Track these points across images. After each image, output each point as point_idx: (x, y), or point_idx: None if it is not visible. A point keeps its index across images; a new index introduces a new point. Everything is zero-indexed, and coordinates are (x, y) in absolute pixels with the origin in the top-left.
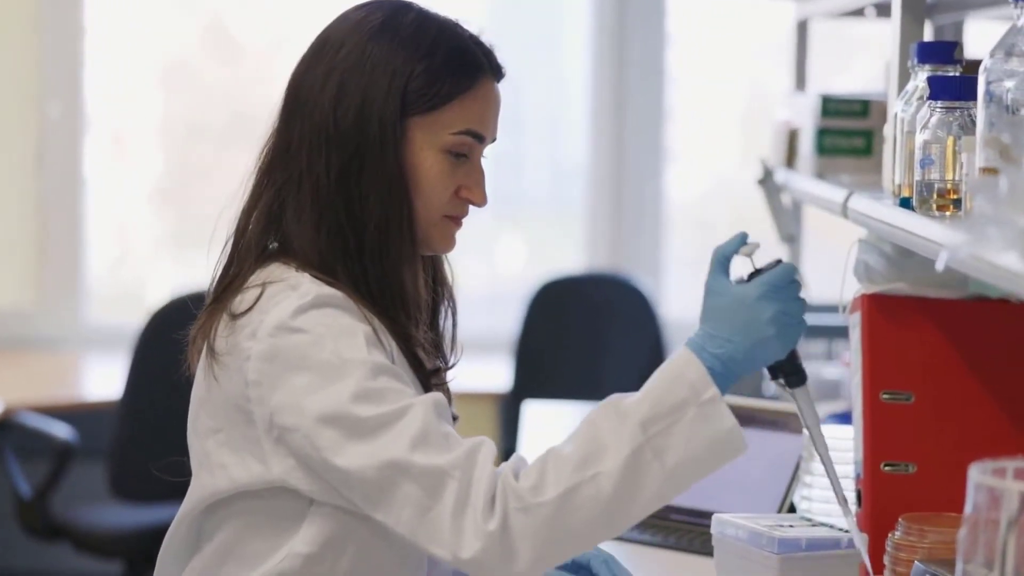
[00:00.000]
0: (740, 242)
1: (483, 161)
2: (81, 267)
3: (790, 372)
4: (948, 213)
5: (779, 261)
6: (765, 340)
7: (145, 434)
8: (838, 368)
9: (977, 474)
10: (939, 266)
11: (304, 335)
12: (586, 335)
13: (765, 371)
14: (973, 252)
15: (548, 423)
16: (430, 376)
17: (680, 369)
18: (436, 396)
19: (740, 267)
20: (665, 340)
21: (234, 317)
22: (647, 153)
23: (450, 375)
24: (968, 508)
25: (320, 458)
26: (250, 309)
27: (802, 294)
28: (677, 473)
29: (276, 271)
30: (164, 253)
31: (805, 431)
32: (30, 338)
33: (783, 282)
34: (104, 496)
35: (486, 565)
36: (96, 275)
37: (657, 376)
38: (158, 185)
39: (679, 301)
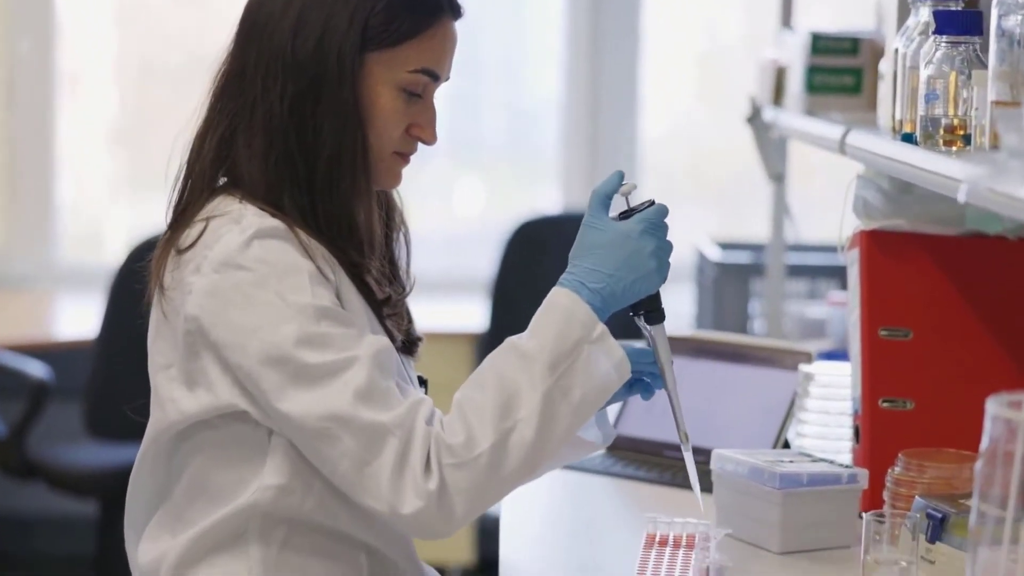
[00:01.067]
0: (618, 181)
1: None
2: (52, 206)
3: (652, 309)
4: (955, 148)
5: (652, 202)
6: (647, 274)
7: (121, 373)
8: (822, 307)
9: (994, 406)
10: (962, 198)
11: (247, 273)
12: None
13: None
14: (993, 185)
15: None
16: (382, 305)
17: (570, 308)
18: (380, 347)
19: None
20: None
21: (180, 252)
22: (620, 92)
23: (416, 318)
24: (984, 441)
25: (263, 400)
26: (194, 244)
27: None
28: (581, 408)
29: (221, 204)
30: (121, 195)
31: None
32: (2, 276)
33: (660, 219)
34: (80, 435)
35: (424, 522)
36: (60, 215)
37: (547, 317)
38: (114, 126)
39: None
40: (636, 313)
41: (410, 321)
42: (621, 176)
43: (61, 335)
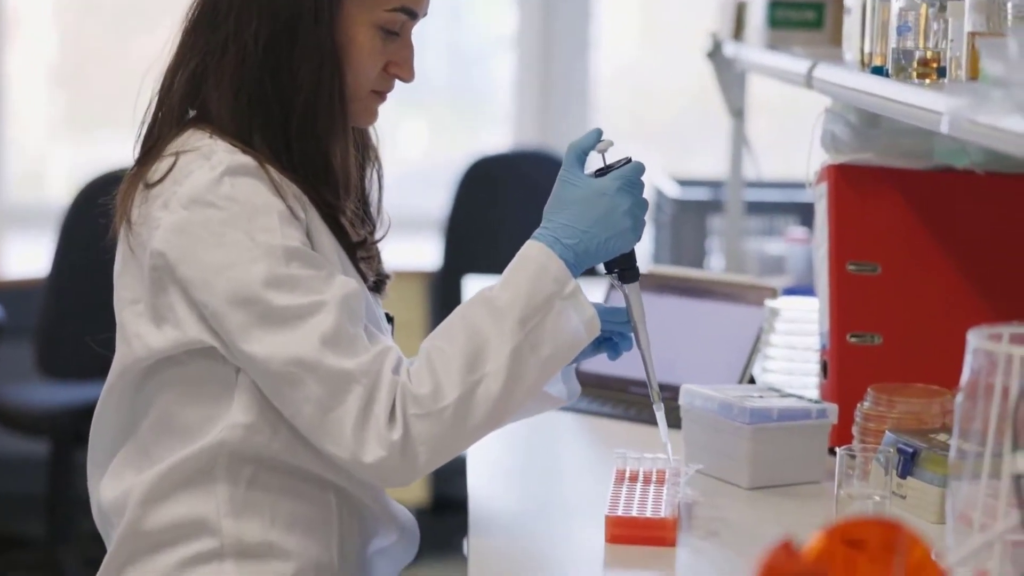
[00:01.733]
0: (596, 138)
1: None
2: None
3: (626, 267)
4: (929, 80)
5: (629, 159)
6: (622, 232)
7: (73, 311)
8: (781, 244)
9: (976, 339)
10: (944, 129)
11: (217, 210)
12: (517, 212)
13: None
14: (975, 116)
15: None
16: (356, 247)
17: (543, 263)
18: (349, 291)
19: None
20: None
21: (148, 187)
22: (573, 31)
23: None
24: (965, 374)
25: (229, 339)
26: (163, 179)
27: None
28: (549, 363)
29: (191, 139)
30: (63, 134)
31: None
32: None
33: (637, 177)
34: (30, 374)
35: (385, 471)
36: (7, 154)
37: (520, 271)
38: (55, 66)
39: None
40: (610, 271)
41: (379, 260)
42: (599, 133)
43: (9, 274)
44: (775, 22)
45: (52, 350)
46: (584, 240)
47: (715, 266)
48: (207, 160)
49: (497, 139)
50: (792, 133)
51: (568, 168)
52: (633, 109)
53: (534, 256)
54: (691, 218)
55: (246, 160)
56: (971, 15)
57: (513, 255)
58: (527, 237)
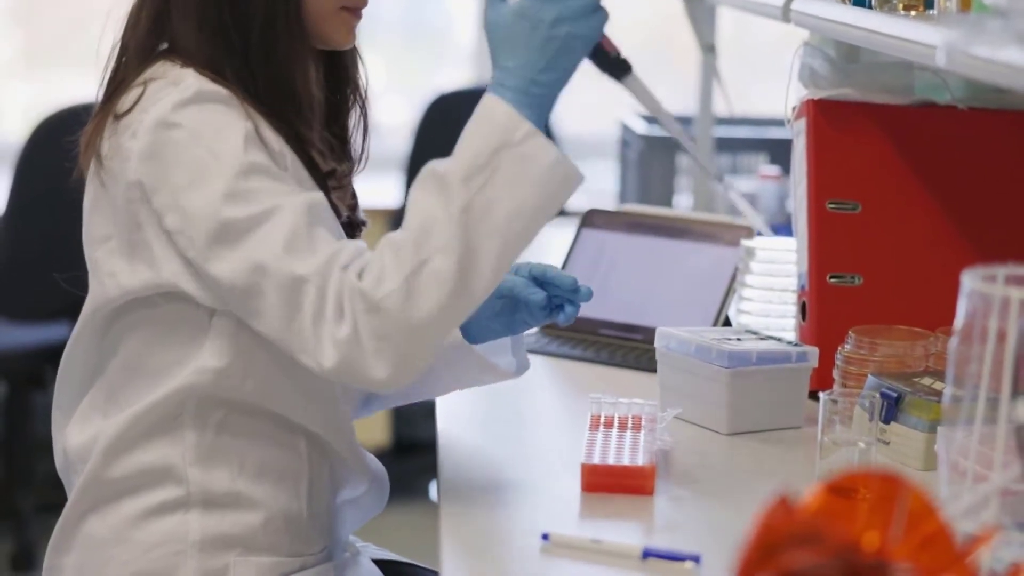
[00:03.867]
0: None
1: None
2: None
3: (611, 65)
4: (916, 12)
5: None
6: (565, 46)
7: (31, 251)
8: (752, 182)
9: (971, 280)
10: (940, 63)
11: (182, 130)
12: None
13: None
14: (970, 49)
15: None
16: (326, 177)
17: (487, 114)
18: (312, 197)
19: None
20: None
21: (117, 118)
22: None
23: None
24: (960, 317)
25: (198, 264)
26: (132, 108)
27: None
28: (512, 226)
29: (160, 68)
30: (15, 72)
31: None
32: None
33: None
34: None
35: (347, 373)
36: None
37: (466, 130)
38: (5, 3)
39: (570, 110)
40: (602, 71)
41: (355, 203)
42: None
43: None
44: None
45: (8, 291)
46: (530, 74)
47: (684, 205)
48: (175, 86)
49: (459, 79)
50: (759, 69)
51: (488, 6)
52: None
53: (481, 109)
54: (659, 155)
55: (216, 88)
56: None
57: None
58: None
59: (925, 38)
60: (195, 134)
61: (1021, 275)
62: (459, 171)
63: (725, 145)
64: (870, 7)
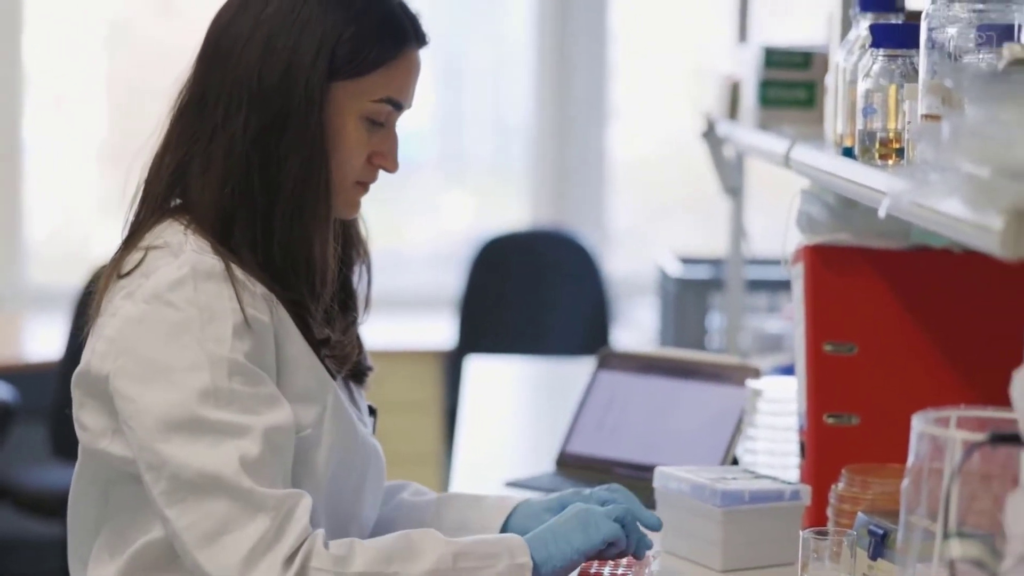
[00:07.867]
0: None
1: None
2: (22, 227)
3: None
4: (891, 162)
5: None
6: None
7: None
8: (780, 322)
9: (920, 423)
10: (881, 213)
11: (175, 311)
12: (530, 291)
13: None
14: (915, 199)
15: (491, 377)
16: (320, 345)
17: (506, 538)
18: (279, 423)
19: None
20: (608, 296)
21: (119, 277)
22: (590, 110)
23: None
24: (911, 458)
25: (145, 434)
26: (132, 271)
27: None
28: None
29: (166, 231)
30: (110, 214)
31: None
32: None
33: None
34: (45, 456)
35: None
36: (38, 236)
37: (483, 536)
38: (104, 146)
39: (622, 258)
40: None
41: (361, 350)
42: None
43: (28, 356)
44: (767, 101)
45: (67, 432)
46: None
47: (716, 344)
48: (175, 258)
49: (518, 218)
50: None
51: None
52: (649, 187)
53: (505, 535)
54: (693, 296)
55: (212, 263)
56: (925, 97)
57: (523, 335)
58: (538, 317)
59: (882, 186)
60: (186, 317)
61: (972, 417)
62: (458, 545)
63: (758, 286)
64: (854, 157)
